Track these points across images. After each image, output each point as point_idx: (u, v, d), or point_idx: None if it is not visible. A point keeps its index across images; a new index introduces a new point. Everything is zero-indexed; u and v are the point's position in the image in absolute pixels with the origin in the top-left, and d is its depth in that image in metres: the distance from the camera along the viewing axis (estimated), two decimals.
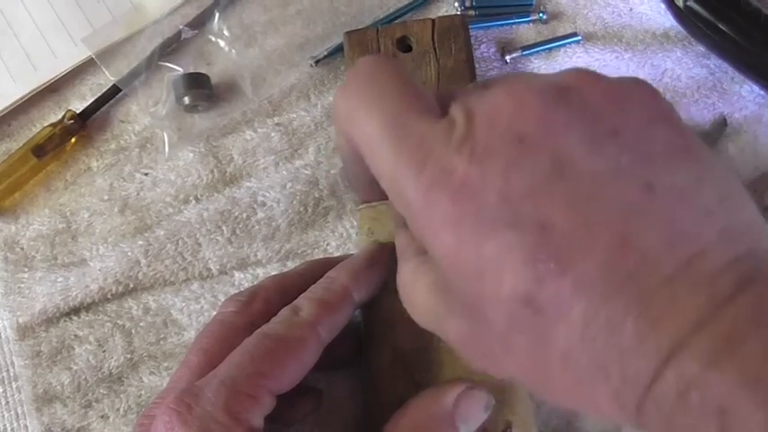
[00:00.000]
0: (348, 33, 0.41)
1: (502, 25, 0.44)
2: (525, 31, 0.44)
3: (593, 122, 0.20)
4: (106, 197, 0.42)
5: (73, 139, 0.42)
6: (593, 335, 0.18)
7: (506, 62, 0.43)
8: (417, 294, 0.24)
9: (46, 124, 0.43)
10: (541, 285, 0.19)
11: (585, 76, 0.22)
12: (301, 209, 0.40)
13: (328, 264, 0.33)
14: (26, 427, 0.38)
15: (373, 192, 0.24)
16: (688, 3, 0.41)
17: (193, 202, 0.41)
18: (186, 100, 0.42)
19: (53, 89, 0.45)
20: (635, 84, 0.22)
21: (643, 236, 0.18)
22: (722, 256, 0.18)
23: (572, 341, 0.19)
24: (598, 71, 0.22)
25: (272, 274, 0.38)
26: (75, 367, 0.38)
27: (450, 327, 0.23)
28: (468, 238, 0.20)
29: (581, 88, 0.21)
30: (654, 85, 0.22)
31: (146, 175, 0.42)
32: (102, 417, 0.38)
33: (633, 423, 0.19)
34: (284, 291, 0.32)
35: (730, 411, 0.16)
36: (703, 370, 0.17)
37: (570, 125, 0.20)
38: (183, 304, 0.39)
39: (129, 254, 0.40)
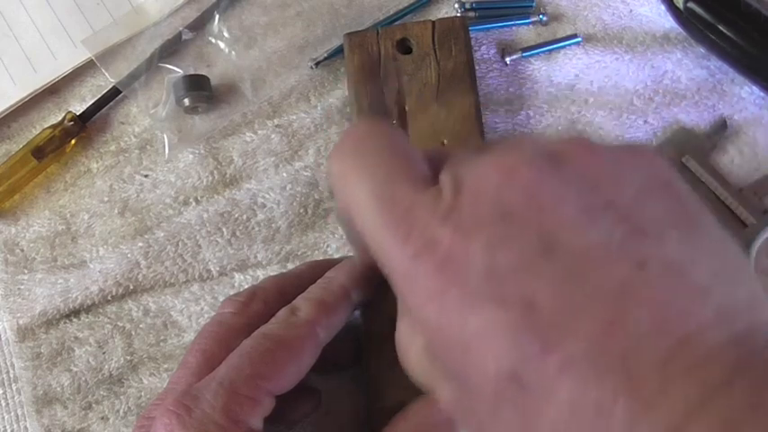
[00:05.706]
0: (348, 35, 0.41)
1: (502, 27, 0.44)
2: (525, 32, 0.44)
3: (586, 194, 0.19)
4: (106, 199, 0.42)
5: (73, 141, 0.42)
6: (581, 417, 0.17)
7: (506, 64, 0.43)
8: (412, 355, 0.24)
9: (46, 126, 0.43)
10: (527, 364, 0.18)
11: (581, 145, 0.21)
12: (301, 210, 0.40)
13: (328, 265, 0.33)
14: (26, 428, 0.38)
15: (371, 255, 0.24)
16: (688, 4, 0.41)
17: (193, 203, 0.41)
18: (186, 102, 0.42)
19: (53, 91, 0.45)
20: (633, 150, 0.21)
21: (633, 316, 0.18)
22: (718, 336, 0.17)
23: (559, 422, 0.18)
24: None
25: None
26: (75, 369, 0.38)
27: (441, 391, 0.23)
28: (452, 311, 0.19)
29: (576, 157, 0.20)
30: (655, 150, 0.20)
31: (146, 176, 0.42)
32: (102, 418, 0.38)
33: None
34: (283, 291, 0.32)
35: None
36: None
37: (561, 197, 0.19)
38: (183, 306, 0.39)
39: (129, 255, 0.40)
